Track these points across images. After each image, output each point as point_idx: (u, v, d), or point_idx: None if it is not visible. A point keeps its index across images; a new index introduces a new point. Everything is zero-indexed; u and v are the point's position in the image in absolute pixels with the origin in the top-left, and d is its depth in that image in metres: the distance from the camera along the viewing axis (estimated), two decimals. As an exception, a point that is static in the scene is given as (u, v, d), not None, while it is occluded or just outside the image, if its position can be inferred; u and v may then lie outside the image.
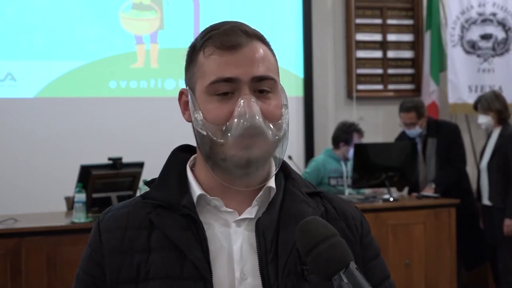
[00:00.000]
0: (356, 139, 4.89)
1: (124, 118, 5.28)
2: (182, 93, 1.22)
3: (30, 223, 3.93)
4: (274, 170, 1.19)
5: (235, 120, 1.11)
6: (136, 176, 4.26)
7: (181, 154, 1.25)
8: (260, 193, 1.18)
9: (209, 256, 1.12)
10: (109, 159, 4.21)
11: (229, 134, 1.11)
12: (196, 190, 1.18)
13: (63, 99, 5.18)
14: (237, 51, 1.13)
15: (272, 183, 1.19)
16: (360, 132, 4.94)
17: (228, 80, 1.12)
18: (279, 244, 1.13)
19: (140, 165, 4.27)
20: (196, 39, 1.19)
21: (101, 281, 1.17)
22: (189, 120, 1.20)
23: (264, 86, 1.14)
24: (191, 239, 1.13)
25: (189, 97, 1.18)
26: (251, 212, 1.17)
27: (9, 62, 5.08)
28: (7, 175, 4.98)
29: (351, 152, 4.85)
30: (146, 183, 1.25)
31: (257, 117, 1.11)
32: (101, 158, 4.33)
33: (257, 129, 1.11)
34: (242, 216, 1.16)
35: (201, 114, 1.14)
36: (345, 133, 4.92)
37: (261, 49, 1.16)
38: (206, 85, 1.14)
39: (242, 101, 1.11)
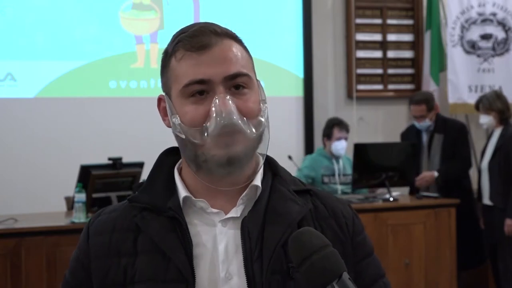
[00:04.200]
0: (337, 133, 4.87)
1: (124, 118, 5.28)
2: (160, 99, 1.21)
3: (30, 223, 3.93)
4: (259, 167, 1.19)
5: (212, 120, 1.11)
6: (136, 176, 4.26)
7: (169, 157, 1.25)
8: (246, 191, 1.17)
9: (193, 258, 1.12)
10: (109, 159, 4.22)
11: (207, 135, 1.11)
12: (181, 192, 1.18)
13: (63, 99, 5.18)
14: (206, 51, 1.13)
15: (257, 181, 1.18)
16: (340, 125, 4.92)
17: (200, 82, 1.12)
18: (264, 242, 1.12)
19: (140, 165, 4.27)
20: (168, 45, 1.19)
21: (86, 285, 1.18)
22: (169, 125, 1.19)
23: (238, 82, 1.14)
24: (175, 242, 1.13)
25: (166, 102, 1.18)
26: (236, 211, 1.17)
27: (9, 62, 5.08)
28: (7, 175, 4.98)
29: (334, 146, 4.84)
30: (134, 186, 1.25)
31: (233, 115, 1.10)
32: (101, 158, 4.33)
33: (234, 127, 1.10)
34: (228, 216, 1.16)
35: (178, 118, 1.14)
36: (326, 128, 4.95)
37: (233, 47, 1.15)
38: (180, 89, 1.13)
39: (217, 100, 1.11)
